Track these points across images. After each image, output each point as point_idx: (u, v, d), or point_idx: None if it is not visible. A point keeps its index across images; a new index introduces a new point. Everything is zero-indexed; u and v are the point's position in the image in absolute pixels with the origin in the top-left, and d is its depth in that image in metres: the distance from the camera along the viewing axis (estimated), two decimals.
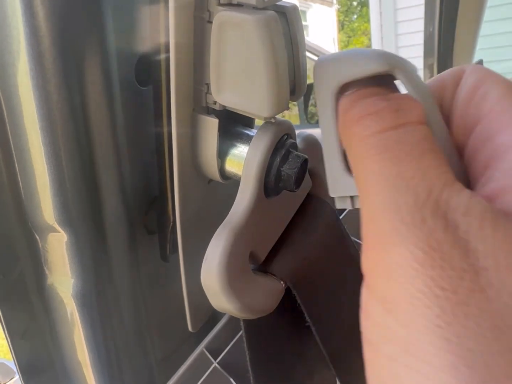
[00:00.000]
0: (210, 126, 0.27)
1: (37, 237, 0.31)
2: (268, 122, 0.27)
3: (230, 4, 0.24)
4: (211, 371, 0.38)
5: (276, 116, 0.27)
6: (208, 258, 0.25)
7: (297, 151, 0.29)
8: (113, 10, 0.30)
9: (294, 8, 0.25)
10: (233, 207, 0.28)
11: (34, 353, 0.34)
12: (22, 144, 0.29)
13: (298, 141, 0.33)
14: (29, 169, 0.30)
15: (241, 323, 0.32)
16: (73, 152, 0.29)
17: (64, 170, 0.29)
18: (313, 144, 0.34)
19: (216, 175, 0.30)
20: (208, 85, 0.26)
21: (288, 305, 0.31)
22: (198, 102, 0.27)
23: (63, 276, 0.32)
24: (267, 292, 0.29)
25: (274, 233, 0.31)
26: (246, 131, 0.30)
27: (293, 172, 0.28)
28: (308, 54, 1.39)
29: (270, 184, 0.28)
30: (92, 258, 0.32)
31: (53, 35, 0.27)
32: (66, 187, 0.30)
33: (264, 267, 0.30)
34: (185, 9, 0.24)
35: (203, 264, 0.26)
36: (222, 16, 0.24)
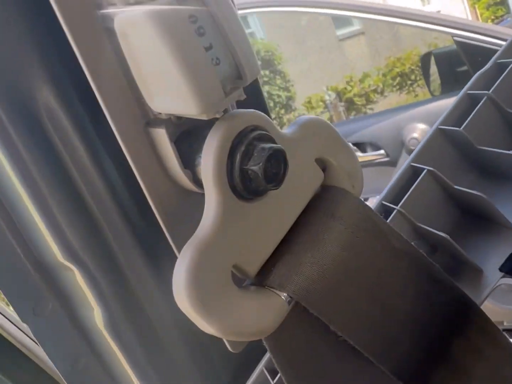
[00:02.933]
0: (161, 137, 0.25)
1: (57, 274, 0.32)
2: (221, 119, 0.24)
3: (128, 4, 0.21)
4: None
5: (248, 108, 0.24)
6: (175, 280, 0.23)
7: (272, 143, 0.25)
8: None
9: None
10: (202, 219, 0.25)
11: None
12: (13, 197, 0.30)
13: (292, 128, 0.29)
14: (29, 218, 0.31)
15: (263, 342, 0.29)
16: (61, 196, 0.30)
17: (56, 215, 0.30)
18: (317, 129, 0.30)
19: (192, 186, 0.28)
20: None
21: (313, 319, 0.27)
22: (147, 116, 0.25)
23: (89, 309, 0.33)
24: (263, 309, 0.25)
25: (269, 240, 0.27)
26: None
27: (259, 168, 0.24)
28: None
29: (238, 186, 0.25)
30: (108, 287, 0.32)
31: None
32: (62, 228, 0.30)
33: (259, 280, 0.26)
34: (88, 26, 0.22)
35: (173, 287, 0.24)
36: (119, 21, 0.21)
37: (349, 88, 4.11)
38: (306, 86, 4.31)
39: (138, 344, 0.35)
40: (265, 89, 4.09)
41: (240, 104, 0.36)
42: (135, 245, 0.32)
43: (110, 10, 0.22)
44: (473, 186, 0.41)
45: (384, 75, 4.04)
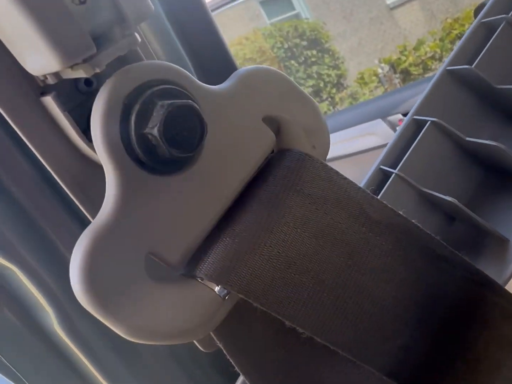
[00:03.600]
0: (51, 106, 0.21)
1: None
2: (113, 75, 0.20)
3: None
4: None
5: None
6: (70, 275, 0.19)
7: (182, 99, 0.20)
8: None
9: None
10: (103, 202, 0.21)
11: None
12: None
13: (228, 83, 0.24)
14: None
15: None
16: None
17: None
18: (262, 81, 0.25)
19: None
20: None
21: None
22: (34, 84, 0.21)
23: (42, 310, 0.30)
24: (186, 304, 0.21)
25: (198, 220, 0.22)
26: None
27: (157, 130, 0.19)
28: None
29: (141, 156, 0.20)
30: (53, 288, 0.29)
31: None
32: None
33: (188, 270, 0.22)
34: None
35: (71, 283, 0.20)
36: None
37: (403, 58, 3.89)
38: (357, 61, 4.14)
39: (103, 344, 0.31)
40: (313, 69, 3.98)
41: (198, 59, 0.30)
42: (75, 231, 0.29)
43: None
44: (496, 137, 0.33)
45: (441, 39, 3.76)
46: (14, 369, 0.31)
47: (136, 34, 0.20)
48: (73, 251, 0.20)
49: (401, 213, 0.26)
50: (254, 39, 3.96)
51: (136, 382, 0.33)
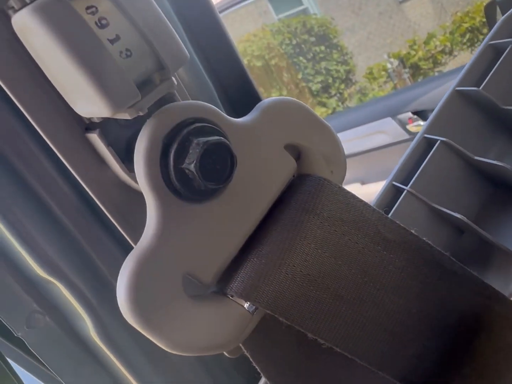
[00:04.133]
0: (96, 142, 0.24)
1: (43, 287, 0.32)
2: (152, 116, 0.22)
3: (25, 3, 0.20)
4: None
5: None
6: (117, 294, 0.22)
7: (215, 135, 0.23)
8: None
9: None
10: (145, 228, 0.23)
11: None
12: None
13: (252, 115, 0.26)
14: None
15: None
16: (28, 211, 0.29)
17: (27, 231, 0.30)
18: (284, 111, 0.27)
19: None
20: None
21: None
22: (81, 121, 0.24)
23: (81, 319, 0.33)
24: (220, 320, 0.23)
25: (228, 243, 0.25)
26: None
27: (194, 166, 0.21)
28: None
29: (178, 187, 0.22)
30: (93, 296, 0.32)
31: None
32: (35, 243, 0.30)
33: (219, 288, 0.24)
34: None
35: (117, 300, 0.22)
36: (14, 23, 0.20)
37: (412, 52, 3.86)
38: (366, 56, 4.12)
39: (134, 350, 0.34)
40: (322, 65, 3.97)
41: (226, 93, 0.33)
42: (112, 250, 0.31)
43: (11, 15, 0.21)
44: (503, 155, 0.35)
45: (451, 33, 3.73)
46: (52, 372, 0.34)
47: (173, 78, 0.23)
48: (120, 273, 0.22)
49: (413, 231, 0.28)
50: (263, 35, 3.96)
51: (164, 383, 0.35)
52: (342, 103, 4.06)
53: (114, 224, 0.27)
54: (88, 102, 0.20)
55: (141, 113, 0.21)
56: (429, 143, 0.35)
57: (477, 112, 0.34)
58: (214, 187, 0.22)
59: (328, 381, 0.29)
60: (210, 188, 0.23)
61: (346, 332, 0.25)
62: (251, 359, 0.27)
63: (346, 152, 0.29)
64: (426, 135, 0.35)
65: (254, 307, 0.24)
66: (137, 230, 0.27)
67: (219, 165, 0.23)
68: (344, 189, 0.27)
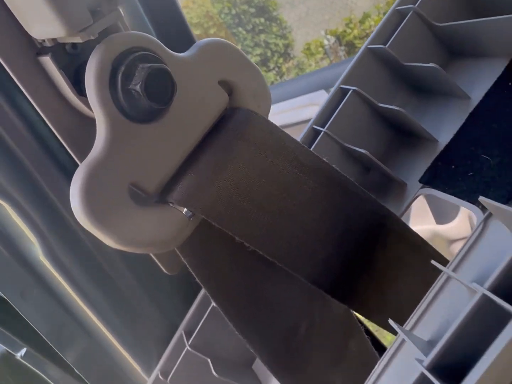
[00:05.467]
0: (48, 65, 0.26)
1: None
2: (101, 42, 0.25)
3: None
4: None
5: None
6: (71, 200, 0.25)
7: (157, 63, 0.26)
8: None
9: None
10: (94, 142, 0.26)
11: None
12: None
13: (191, 51, 0.30)
14: None
15: (183, 260, 0.31)
16: None
17: None
18: (218, 50, 0.31)
19: (91, 112, 0.29)
20: None
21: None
22: (34, 46, 0.26)
23: (28, 242, 0.35)
24: (161, 221, 0.27)
25: (169, 159, 0.29)
26: None
27: (139, 86, 0.25)
28: None
29: (126, 107, 0.26)
30: (41, 219, 0.34)
31: None
32: None
33: (161, 197, 0.28)
34: None
35: (71, 206, 0.25)
36: None
37: (349, 30, 3.97)
38: (305, 32, 4.18)
39: (82, 272, 0.37)
40: (261, 38, 3.97)
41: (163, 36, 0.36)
42: (61, 176, 0.34)
43: None
44: (405, 104, 0.41)
45: (385, 13, 3.88)
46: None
47: (120, 9, 0.26)
48: (72, 180, 0.25)
49: (325, 159, 0.33)
50: (202, 3, 3.88)
51: (107, 302, 0.39)
52: (280, 77, 4.11)
53: (64, 150, 0.30)
54: (44, 23, 0.23)
55: (92, 37, 0.24)
56: (344, 92, 0.40)
57: (384, 67, 0.41)
58: (157, 107, 0.26)
59: (253, 283, 0.34)
60: (154, 109, 0.26)
61: (267, 237, 0.31)
62: (188, 266, 0.32)
63: (282, 123, 0.34)
64: (341, 86, 0.41)
65: (191, 213, 0.29)
66: (86, 153, 0.30)
67: (161, 89, 0.26)
68: (269, 121, 0.32)
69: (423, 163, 0.37)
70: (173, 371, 0.40)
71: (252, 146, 0.30)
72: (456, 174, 0.34)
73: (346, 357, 0.39)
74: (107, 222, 0.25)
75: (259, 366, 0.44)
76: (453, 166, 0.35)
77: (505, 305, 0.18)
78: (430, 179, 0.36)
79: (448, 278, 0.26)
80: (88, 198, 0.25)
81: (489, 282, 0.20)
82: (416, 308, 0.27)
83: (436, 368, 0.20)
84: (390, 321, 0.25)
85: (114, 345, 0.41)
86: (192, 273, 0.32)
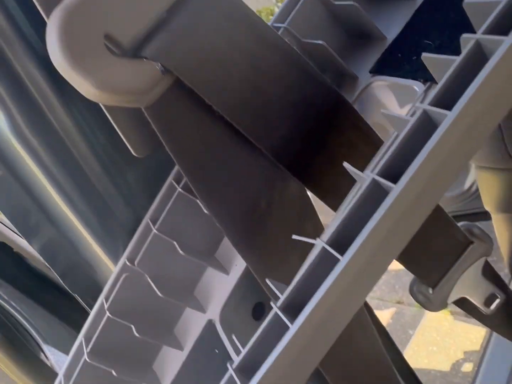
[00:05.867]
0: None
1: None
2: None
3: None
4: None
5: None
6: (48, 42, 0.26)
7: None
8: None
9: None
10: None
11: None
12: None
13: None
14: None
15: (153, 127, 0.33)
16: None
17: None
18: None
19: None
20: None
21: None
22: None
23: None
24: (135, 71, 0.29)
25: (145, 16, 0.30)
26: None
27: None
28: None
29: None
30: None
31: None
32: None
33: (136, 52, 0.30)
34: None
35: (48, 49, 0.26)
36: None
37: None
38: None
39: (51, 154, 0.38)
40: None
41: None
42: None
43: None
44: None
45: None
46: None
47: None
48: (48, 23, 0.26)
49: (286, 40, 0.36)
50: None
51: (76, 190, 0.40)
52: None
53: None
54: None
55: None
56: None
57: None
58: None
59: (219, 153, 0.36)
60: None
61: (234, 103, 0.33)
62: (156, 131, 0.33)
63: None
64: None
65: (163, 69, 0.30)
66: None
67: None
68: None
69: (373, 58, 0.41)
70: (140, 254, 0.42)
71: (222, 15, 0.32)
72: (403, 60, 0.38)
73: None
74: (84, 64, 0.27)
75: (221, 256, 0.47)
76: (399, 55, 0.39)
77: None
78: (379, 69, 0.40)
79: None
80: (66, 38, 0.26)
81: None
82: None
83: None
84: None
85: (81, 235, 0.42)
86: (161, 138, 0.33)
